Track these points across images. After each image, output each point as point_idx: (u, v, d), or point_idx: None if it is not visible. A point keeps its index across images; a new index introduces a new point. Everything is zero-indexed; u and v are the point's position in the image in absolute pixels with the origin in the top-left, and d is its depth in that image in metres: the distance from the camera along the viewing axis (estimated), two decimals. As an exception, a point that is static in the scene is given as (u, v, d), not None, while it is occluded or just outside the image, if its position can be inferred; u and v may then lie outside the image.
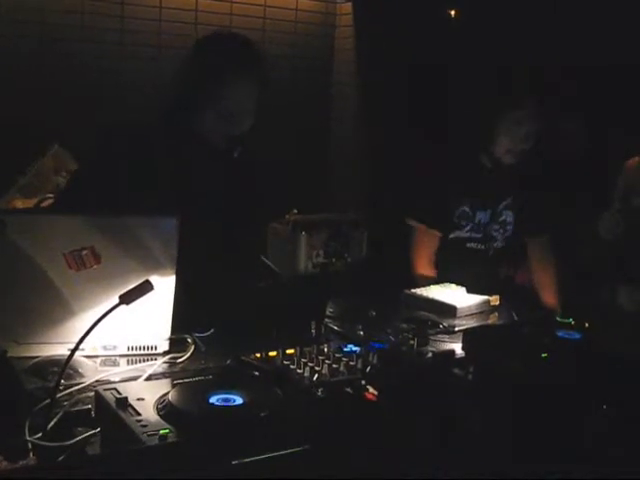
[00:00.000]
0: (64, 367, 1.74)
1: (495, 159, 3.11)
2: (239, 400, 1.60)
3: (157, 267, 2.08)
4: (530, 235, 3.30)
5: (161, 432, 1.44)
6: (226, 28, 4.39)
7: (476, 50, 4.11)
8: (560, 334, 2.19)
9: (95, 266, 2.04)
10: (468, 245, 3.24)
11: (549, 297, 3.16)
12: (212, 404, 1.58)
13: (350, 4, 4.71)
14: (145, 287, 1.87)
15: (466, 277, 2.95)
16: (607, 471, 1.75)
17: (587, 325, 2.25)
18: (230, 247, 2.65)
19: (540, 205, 3.24)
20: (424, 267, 3.21)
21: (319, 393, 1.75)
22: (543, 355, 2.01)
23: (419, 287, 2.88)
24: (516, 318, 2.69)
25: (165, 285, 2.09)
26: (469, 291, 2.84)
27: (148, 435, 1.44)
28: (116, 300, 1.86)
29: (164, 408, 1.55)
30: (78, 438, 1.64)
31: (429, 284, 2.97)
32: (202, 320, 2.33)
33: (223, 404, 1.58)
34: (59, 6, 4.01)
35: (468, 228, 3.22)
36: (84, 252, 2.02)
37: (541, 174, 3.22)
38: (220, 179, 2.63)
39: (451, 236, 3.22)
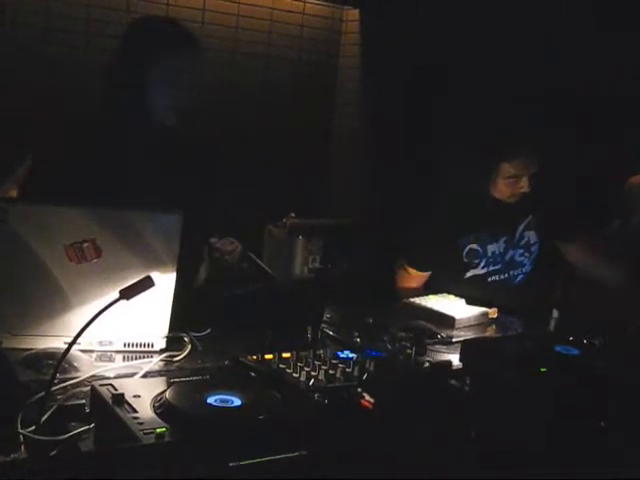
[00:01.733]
0: (60, 360, 1.71)
1: (498, 200, 3.08)
2: (237, 401, 1.58)
3: (158, 263, 2.06)
4: (564, 239, 3.24)
5: (158, 430, 1.42)
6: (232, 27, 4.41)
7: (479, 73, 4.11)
8: (558, 349, 2.18)
9: (95, 259, 2.03)
10: (490, 280, 3.20)
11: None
12: (210, 404, 1.57)
13: (357, 11, 4.71)
14: (146, 283, 1.85)
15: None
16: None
17: (585, 341, 2.24)
18: None
19: (563, 210, 3.20)
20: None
21: (316, 398, 1.73)
22: (542, 369, 2.00)
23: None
24: (513, 331, 2.68)
25: (165, 282, 2.07)
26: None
27: (144, 433, 1.42)
28: (115, 295, 1.84)
29: (161, 406, 1.54)
30: (71, 433, 1.62)
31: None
32: (199, 319, 2.32)
33: (221, 405, 1.57)
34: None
35: (483, 264, 3.18)
36: (85, 245, 2.00)
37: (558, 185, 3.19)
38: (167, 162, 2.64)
39: (467, 275, 3.19)
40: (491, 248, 3.16)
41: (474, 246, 3.15)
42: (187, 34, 2.66)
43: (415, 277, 3.22)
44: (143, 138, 2.59)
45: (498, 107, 3.69)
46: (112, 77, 2.63)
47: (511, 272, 3.21)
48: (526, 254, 3.20)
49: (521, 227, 3.20)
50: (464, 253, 3.16)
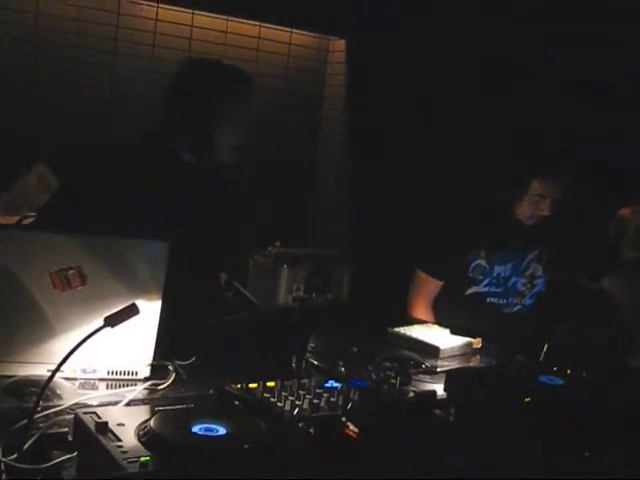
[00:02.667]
0: (43, 388, 1.70)
1: (516, 220, 3.09)
2: (222, 430, 1.58)
3: (143, 291, 2.06)
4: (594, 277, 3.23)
5: (142, 459, 1.41)
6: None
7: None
8: (542, 379, 2.18)
9: (80, 287, 2.02)
10: (488, 300, 3.20)
11: None
12: (195, 433, 1.56)
13: (343, 41, 4.74)
14: (131, 310, 1.85)
15: (490, 333, 2.90)
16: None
17: (569, 372, 2.24)
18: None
19: (573, 253, 3.20)
20: (422, 312, 3.19)
21: (300, 427, 1.73)
22: (526, 399, 2.01)
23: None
24: (496, 362, 2.68)
25: (150, 310, 2.07)
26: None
27: (128, 462, 1.40)
28: (100, 322, 1.83)
29: (145, 435, 1.53)
30: (54, 461, 1.60)
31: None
32: (183, 348, 2.31)
33: (206, 434, 1.56)
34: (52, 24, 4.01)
35: (486, 282, 3.18)
36: (70, 272, 2.00)
37: (567, 223, 3.19)
38: (203, 196, 2.72)
39: (468, 292, 3.19)
40: (498, 269, 3.17)
41: (482, 262, 3.15)
42: (247, 78, 2.75)
43: (429, 285, 3.21)
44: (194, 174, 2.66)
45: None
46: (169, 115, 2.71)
47: (510, 299, 3.21)
48: (528, 285, 3.20)
49: (530, 256, 3.20)
50: (470, 267, 3.16)
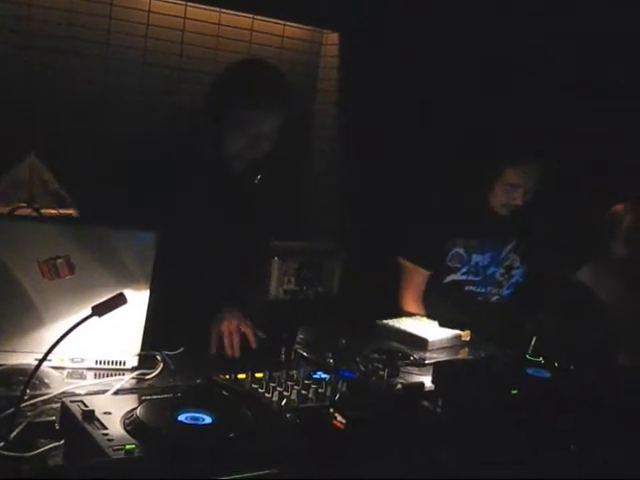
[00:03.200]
0: (31, 377, 1.71)
1: (491, 209, 3.11)
2: (208, 419, 1.58)
3: (131, 281, 2.07)
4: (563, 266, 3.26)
5: (127, 447, 1.41)
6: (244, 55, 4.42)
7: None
8: (529, 372, 2.19)
9: (69, 276, 2.02)
10: (466, 288, 3.21)
11: None
12: (181, 421, 1.56)
13: (337, 34, 4.74)
14: (119, 300, 1.85)
15: (468, 321, 2.93)
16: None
17: (556, 364, 2.25)
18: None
19: (551, 245, 3.22)
20: (412, 305, 3.20)
21: (288, 417, 1.73)
22: (513, 392, 2.01)
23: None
24: (483, 354, 2.69)
25: (138, 300, 2.07)
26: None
27: (114, 449, 1.41)
28: (88, 312, 1.83)
29: (131, 423, 1.53)
30: (41, 449, 1.61)
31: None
32: (172, 338, 2.32)
33: (192, 422, 1.56)
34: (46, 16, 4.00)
35: (464, 270, 3.19)
36: (59, 261, 2.00)
37: (546, 214, 3.20)
38: (237, 203, 2.72)
39: (446, 280, 3.20)
40: (476, 258, 3.18)
41: (460, 250, 3.17)
42: (276, 87, 2.67)
43: (417, 276, 3.22)
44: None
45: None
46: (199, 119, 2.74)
47: (489, 288, 3.23)
48: (506, 275, 3.22)
49: (508, 247, 3.22)
50: (449, 256, 3.17)
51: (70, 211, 3.72)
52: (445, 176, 3.37)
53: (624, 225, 3.16)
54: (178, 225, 2.41)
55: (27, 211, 3.46)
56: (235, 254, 2.68)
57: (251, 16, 4.53)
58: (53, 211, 3.63)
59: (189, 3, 4.32)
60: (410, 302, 3.21)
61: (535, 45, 3.89)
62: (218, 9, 4.41)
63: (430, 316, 3.03)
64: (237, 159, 2.66)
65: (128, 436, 1.48)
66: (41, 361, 1.71)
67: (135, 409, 1.57)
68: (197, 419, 1.58)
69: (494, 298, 3.24)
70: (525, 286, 3.25)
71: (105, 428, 1.50)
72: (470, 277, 3.19)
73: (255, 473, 1.42)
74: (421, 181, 3.80)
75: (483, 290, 3.21)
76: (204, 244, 2.55)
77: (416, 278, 3.21)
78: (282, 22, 4.64)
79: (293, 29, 4.71)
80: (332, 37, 4.80)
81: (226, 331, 2.39)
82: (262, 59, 3.23)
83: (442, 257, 3.17)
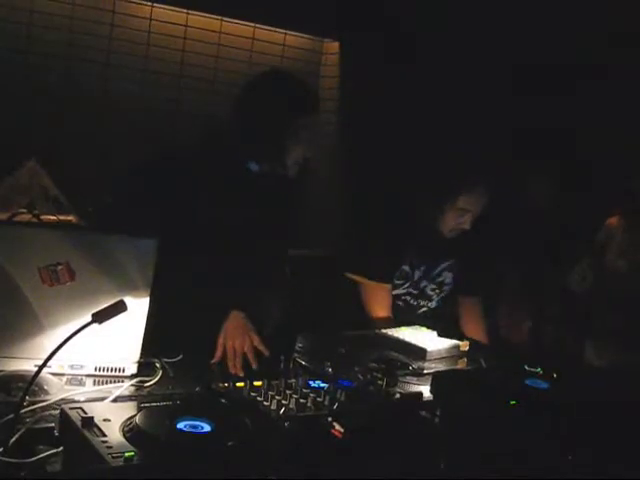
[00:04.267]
0: (30, 383, 1.71)
1: (438, 232, 3.13)
2: (207, 427, 1.58)
3: (132, 288, 2.07)
4: (463, 294, 3.31)
5: (126, 454, 1.42)
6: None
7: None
8: (528, 382, 2.19)
9: (69, 282, 2.03)
10: (402, 297, 3.24)
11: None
12: (180, 429, 1.56)
13: (337, 44, 4.75)
14: (119, 307, 1.85)
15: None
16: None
17: (555, 375, 2.25)
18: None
19: (476, 266, 3.25)
20: (382, 318, 3.22)
21: (286, 426, 1.73)
22: (512, 402, 2.01)
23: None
24: (484, 364, 2.69)
25: (138, 307, 2.07)
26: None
27: (113, 457, 1.41)
28: (88, 318, 1.83)
29: (130, 430, 1.53)
30: (40, 456, 1.61)
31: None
32: (171, 345, 2.32)
33: (191, 430, 1.57)
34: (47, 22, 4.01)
35: (406, 286, 3.23)
36: (59, 267, 2.00)
37: (486, 237, 3.22)
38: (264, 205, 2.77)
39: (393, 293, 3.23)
40: (417, 274, 3.21)
41: (406, 268, 3.19)
42: (315, 98, 2.77)
43: (379, 294, 3.20)
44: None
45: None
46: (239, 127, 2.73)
47: (419, 301, 3.26)
48: (437, 291, 3.25)
49: (442, 265, 3.24)
50: (397, 273, 3.20)
51: (70, 217, 3.71)
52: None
53: (619, 237, 3.17)
54: (190, 230, 2.47)
55: (27, 217, 3.46)
56: (259, 255, 2.73)
57: (252, 25, 4.55)
58: (52, 217, 3.62)
59: (191, 11, 4.33)
60: (380, 317, 3.21)
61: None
62: (220, 17, 4.43)
63: None
64: (295, 165, 2.73)
65: (127, 443, 1.48)
66: (41, 367, 1.71)
67: (134, 416, 1.58)
68: (196, 427, 1.58)
69: (422, 310, 3.27)
70: (451, 300, 3.29)
71: (104, 435, 1.50)
72: (410, 289, 3.23)
73: (254, 481, 1.42)
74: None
75: (414, 302, 3.26)
76: (225, 245, 2.58)
77: (380, 293, 3.20)
78: (283, 31, 4.66)
79: (294, 38, 4.73)
80: (333, 46, 4.82)
81: (230, 351, 2.40)
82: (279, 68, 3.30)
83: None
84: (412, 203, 3.15)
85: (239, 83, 4.53)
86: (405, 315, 3.18)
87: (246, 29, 4.56)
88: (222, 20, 4.46)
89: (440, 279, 3.25)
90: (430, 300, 3.25)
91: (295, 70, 4.74)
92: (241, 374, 2.35)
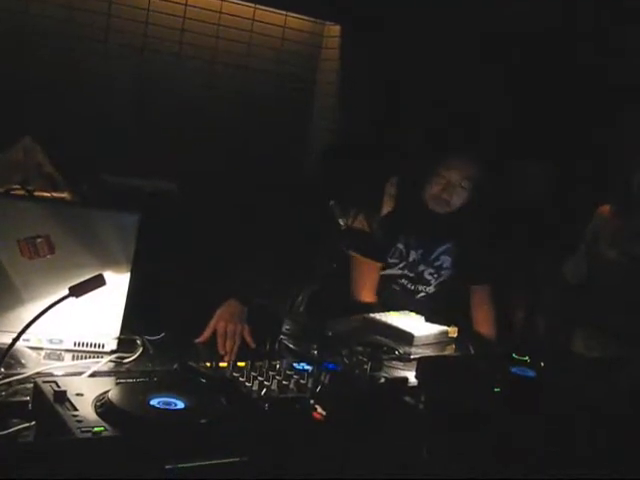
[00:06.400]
0: (4, 355, 1.68)
1: (426, 204, 3.10)
2: (180, 404, 1.56)
3: (113, 263, 2.04)
4: (471, 282, 3.25)
5: (95, 429, 1.40)
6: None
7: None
8: (514, 370, 2.17)
9: (49, 256, 2.00)
10: (399, 281, 3.21)
11: (485, 334, 3.14)
12: (152, 406, 1.54)
13: (338, 27, 4.72)
14: (97, 281, 1.82)
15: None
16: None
17: (543, 364, 2.23)
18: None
19: (483, 253, 3.20)
20: (365, 295, 3.21)
21: (266, 407, 1.71)
22: (496, 389, 1.99)
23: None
24: (472, 351, 2.67)
25: (119, 282, 2.05)
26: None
27: (82, 431, 1.39)
28: (66, 292, 1.81)
29: (102, 406, 1.51)
30: (12, 429, 1.59)
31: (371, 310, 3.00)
32: (154, 322, 2.29)
33: (163, 407, 1.54)
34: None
35: (400, 266, 3.20)
36: (39, 240, 1.98)
37: (483, 222, 3.19)
38: None
39: (383, 273, 3.20)
40: (412, 255, 3.19)
41: (401, 247, 3.17)
42: None
43: (365, 269, 3.22)
44: None
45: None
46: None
47: (417, 286, 3.22)
48: (434, 275, 3.21)
49: (441, 248, 3.20)
50: (391, 251, 3.18)
51: (64, 194, 3.69)
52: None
53: (610, 227, 3.14)
54: None
55: (20, 193, 3.44)
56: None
57: (253, 5, 4.51)
58: (46, 194, 3.60)
59: (191, -10, 4.31)
60: (363, 293, 3.22)
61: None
62: (220, -3, 4.40)
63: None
64: None
65: (98, 418, 1.46)
66: (15, 340, 1.69)
67: (107, 392, 1.55)
68: (169, 404, 1.56)
69: (420, 295, 3.22)
70: (451, 285, 3.24)
71: (75, 409, 1.48)
72: (405, 271, 3.20)
73: (223, 460, 1.40)
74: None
75: (412, 286, 3.21)
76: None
77: (367, 269, 3.22)
78: (284, 13, 4.62)
79: (295, 20, 4.69)
80: (334, 29, 4.78)
81: (222, 333, 2.38)
82: None
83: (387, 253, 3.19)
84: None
85: (238, 64, 4.57)
86: (402, 300, 3.15)
87: (246, 10, 4.53)
88: (222, 0, 4.43)
89: (438, 263, 3.21)
90: (428, 285, 3.21)
91: (295, 52, 4.73)
92: (228, 357, 2.33)
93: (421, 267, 3.20)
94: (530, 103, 3.93)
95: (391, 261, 3.20)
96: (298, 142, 4.82)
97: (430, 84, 4.11)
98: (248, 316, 2.47)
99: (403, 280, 3.22)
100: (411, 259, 3.18)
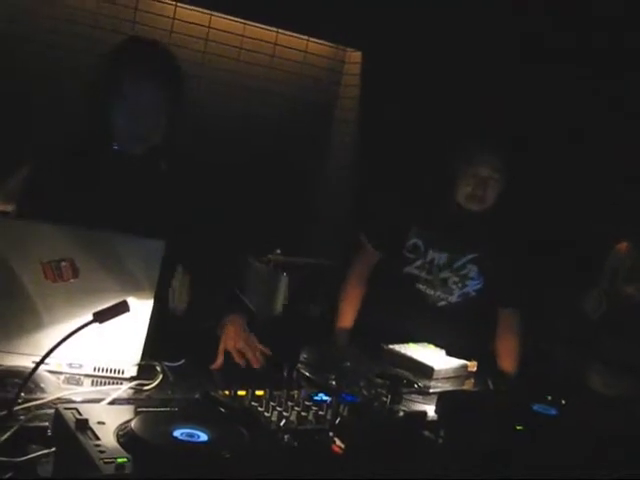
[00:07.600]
0: (26, 380, 1.67)
1: (456, 203, 3.07)
2: (204, 437, 1.54)
3: (136, 289, 2.03)
4: (501, 305, 3.17)
5: (118, 460, 1.37)
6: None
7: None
8: (536, 408, 2.15)
9: (72, 280, 1.99)
10: (417, 286, 3.14)
11: (507, 367, 3.06)
12: (175, 438, 1.52)
13: (360, 53, 4.73)
14: (121, 307, 1.81)
15: (413, 322, 2.98)
16: None
17: (564, 402, 2.21)
18: None
19: (517, 275, 3.12)
20: (354, 282, 3.21)
21: (285, 439, 1.69)
22: (518, 427, 1.97)
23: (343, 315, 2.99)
24: (492, 386, 2.65)
25: (141, 308, 2.04)
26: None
27: (105, 462, 1.37)
28: (89, 317, 1.80)
29: (125, 435, 1.49)
30: (31, 455, 1.57)
31: (353, 302, 3.06)
32: (173, 349, 2.28)
33: (187, 439, 1.52)
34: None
35: (418, 264, 3.13)
36: (63, 264, 1.97)
37: (516, 234, 3.15)
38: (146, 192, 2.51)
39: (405, 271, 3.15)
40: (432, 254, 3.12)
41: (418, 242, 3.12)
42: (158, 62, 2.50)
43: (366, 254, 3.23)
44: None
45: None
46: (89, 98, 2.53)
47: (439, 293, 3.15)
48: (459, 284, 3.13)
49: (468, 257, 3.12)
50: (407, 246, 3.13)
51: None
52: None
53: (628, 263, 3.13)
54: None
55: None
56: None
57: (275, 30, 4.53)
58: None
59: (213, 13, 4.32)
60: (354, 280, 3.22)
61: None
62: (243, 21, 4.42)
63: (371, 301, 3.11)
64: (123, 136, 2.46)
65: (121, 449, 1.44)
66: (38, 364, 1.68)
67: (130, 421, 1.54)
68: (192, 436, 1.54)
69: (441, 303, 3.15)
70: (476, 299, 3.15)
71: (98, 439, 1.46)
72: (423, 274, 3.12)
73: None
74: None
75: (432, 292, 3.15)
76: None
77: (366, 256, 3.22)
78: (306, 38, 4.64)
79: (316, 45, 4.71)
80: (355, 55, 4.80)
81: (232, 348, 2.36)
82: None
83: (401, 245, 3.14)
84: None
85: (259, 88, 4.58)
86: (423, 306, 3.12)
87: (269, 34, 4.55)
88: (245, 24, 4.44)
89: (464, 271, 3.13)
90: (451, 294, 3.13)
91: (316, 77, 4.74)
92: (257, 366, 2.34)
93: (445, 273, 3.12)
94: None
95: (408, 255, 3.14)
96: (315, 167, 4.82)
97: (452, 112, 4.11)
98: (265, 341, 2.46)
99: (421, 285, 3.14)
100: (429, 258, 3.12)
